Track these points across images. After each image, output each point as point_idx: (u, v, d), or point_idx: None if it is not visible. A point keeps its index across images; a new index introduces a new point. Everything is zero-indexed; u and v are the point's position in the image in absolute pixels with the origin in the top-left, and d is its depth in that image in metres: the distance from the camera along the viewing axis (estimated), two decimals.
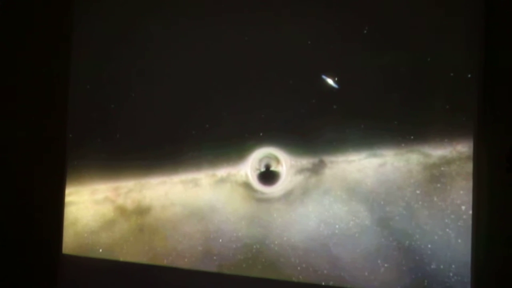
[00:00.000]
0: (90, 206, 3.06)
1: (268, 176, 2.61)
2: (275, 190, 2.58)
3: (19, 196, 3.17)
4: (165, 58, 2.90)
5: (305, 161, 2.51)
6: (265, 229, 2.58)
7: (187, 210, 2.80)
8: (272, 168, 2.60)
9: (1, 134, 3.20)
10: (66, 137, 3.14)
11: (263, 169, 2.64)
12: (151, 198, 2.89)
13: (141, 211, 2.91)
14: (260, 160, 2.64)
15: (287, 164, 2.55)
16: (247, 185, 2.65)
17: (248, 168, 2.66)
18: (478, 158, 2.17)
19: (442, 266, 2.17)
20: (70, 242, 3.10)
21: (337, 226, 2.41)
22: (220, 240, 2.68)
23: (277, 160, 2.58)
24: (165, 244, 2.83)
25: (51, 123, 3.17)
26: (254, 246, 2.60)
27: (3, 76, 3.24)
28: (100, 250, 3.01)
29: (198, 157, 2.77)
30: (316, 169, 2.48)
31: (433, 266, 2.19)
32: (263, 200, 2.61)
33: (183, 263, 2.77)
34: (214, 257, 2.70)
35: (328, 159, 2.45)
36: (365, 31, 2.38)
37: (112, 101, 3.04)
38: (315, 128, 2.49)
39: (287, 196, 2.55)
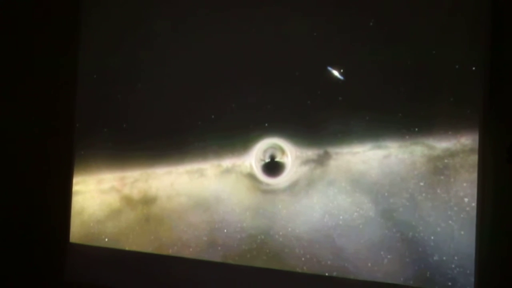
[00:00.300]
0: (97, 196, 3.11)
1: (272, 167, 2.66)
2: (280, 181, 2.63)
3: (27, 185, 3.22)
4: (172, 49, 2.93)
5: (310, 152, 2.55)
6: (269, 220, 2.63)
7: (192, 201, 2.84)
8: (277, 159, 2.65)
9: (9, 124, 3.25)
10: (74, 127, 3.18)
11: (267, 160, 2.68)
12: (157, 188, 2.94)
13: (147, 201, 2.96)
14: (265, 151, 2.68)
15: (292, 155, 2.59)
16: (251, 176, 2.70)
17: (252, 158, 2.70)
18: (483, 150, 2.21)
19: (444, 258, 2.22)
20: (77, 231, 3.15)
21: (341, 217, 2.46)
22: (225, 231, 2.73)
23: (282, 151, 2.63)
24: (170, 234, 2.88)
25: (59, 113, 3.23)
26: (259, 237, 2.65)
27: (11, 66, 3.28)
28: (106, 240, 3.06)
29: (203, 147, 2.82)
30: (321, 161, 2.52)
31: (435, 258, 2.23)
32: (268, 191, 2.65)
33: (188, 253, 2.82)
34: (219, 248, 2.75)
35: (333, 150, 2.49)
36: (371, 24, 2.42)
37: (118, 92, 3.08)
38: (320, 119, 2.53)
39: (292, 187, 2.59)
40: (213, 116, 2.81)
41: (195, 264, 2.80)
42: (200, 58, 2.85)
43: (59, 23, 3.23)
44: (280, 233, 2.60)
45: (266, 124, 2.66)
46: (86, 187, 3.14)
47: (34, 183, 3.21)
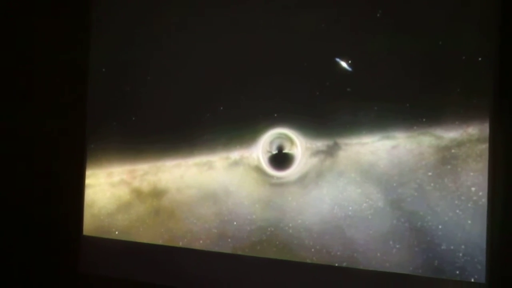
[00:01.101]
0: (107, 189, 3.21)
1: (280, 159, 2.75)
2: (288, 174, 2.73)
3: (40, 179, 3.31)
4: (181, 41, 3.02)
5: (320, 143, 2.65)
6: (279, 212, 2.73)
7: (201, 193, 2.94)
8: (285, 151, 2.75)
9: (22, 120, 3.34)
10: (85, 120, 3.27)
11: (274, 152, 2.78)
12: (166, 180, 3.04)
13: (157, 193, 3.06)
14: (271, 142, 2.78)
15: (302, 146, 2.69)
16: (259, 169, 2.80)
17: (259, 150, 2.81)
18: (494, 139, 2.30)
19: (452, 247, 2.33)
20: (88, 224, 3.26)
21: (350, 208, 2.56)
22: (235, 223, 2.84)
23: (291, 142, 2.72)
24: (180, 226, 2.98)
25: (71, 107, 3.31)
26: (269, 229, 2.75)
27: (22, 61, 3.36)
28: (117, 233, 3.16)
29: (212, 139, 2.91)
30: (330, 152, 2.62)
31: (443, 247, 2.34)
32: (277, 183, 2.76)
33: (198, 245, 2.92)
34: (229, 239, 2.85)
35: (342, 141, 2.59)
36: (378, 15, 2.51)
37: (128, 85, 3.16)
38: (329, 110, 2.62)
39: (302, 179, 2.69)
40: (221, 108, 2.90)
41: (206, 256, 2.90)
42: (209, 50, 2.93)
43: (70, 17, 3.30)
44: (290, 225, 2.70)
45: (275, 115, 2.75)
46: (97, 180, 3.24)
47: (47, 177, 3.29)
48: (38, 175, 3.31)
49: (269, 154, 2.79)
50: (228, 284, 2.87)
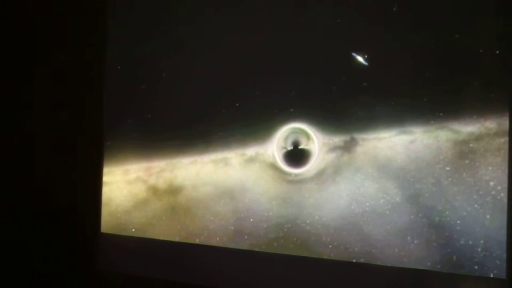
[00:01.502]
0: (123, 186, 3.27)
1: (296, 155, 2.80)
2: (305, 171, 2.77)
3: (59, 176, 3.39)
4: (196, 38, 3.07)
5: (337, 139, 2.69)
6: (296, 209, 2.77)
7: (217, 190, 3.00)
8: (302, 146, 2.80)
9: (40, 118, 3.44)
10: (102, 118, 3.34)
11: (290, 148, 2.82)
12: (182, 177, 3.10)
13: (173, 190, 3.12)
14: (286, 138, 2.82)
15: (319, 142, 2.73)
16: (275, 166, 2.85)
17: (274, 146, 2.85)
18: None
19: (471, 242, 2.36)
20: (105, 221, 3.33)
21: (367, 204, 2.60)
22: (251, 220, 2.89)
23: (307, 137, 2.77)
24: (197, 223, 3.04)
25: (88, 104, 3.38)
26: (286, 226, 2.80)
27: (39, 61, 3.45)
28: (133, 230, 3.23)
29: (227, 136, 2.97)
30: (347, 147, 2.66)
31: (462, 242, 2.38)
32: (294, 180, 2.80)
33: (215, 242, 2.98)
34: (245, 236, 2.90)
35: (359, 136, 2.63)
36: (394, 9, 2.54)
37: (143, 82, 3.22)
38: (346, 105, 2.66)
39: (319, 175, 2.73)
40: (237, 104, 2.95)
41: (223, 252, 2.96)
42: (224, 46, 2.99)
43: (86, 16, 3.37)
44: (307, 221, 2.74)
45: (291, 110, 2.80)
46: (113, 178, 3.30)
47: (66, 175, 3.38)
48: (56, 173, 3.39)
49: (284, 150, 2.83)
50: (245, 280, 2.92)
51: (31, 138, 3.45)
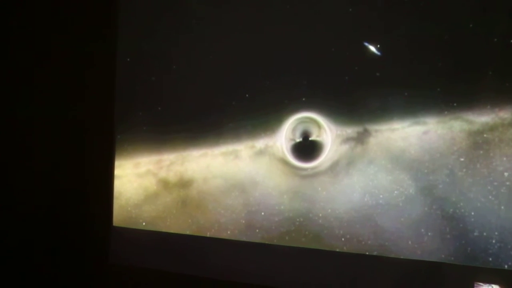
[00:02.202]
0: (134, 180, 3.33)
1: (306, 147, 2.85)
2: (318, 164, 2.84)
3: (70, 170, 3.48)
4: (206, 29, 3.12)
5: (350, 130, 2.75)
6: (308, 203, 2.84)
7: (228, 183, 3.06)
8: (313, 138, 2.85)
9: (50, 112, 3.52)
10: (114, 111, 3.39)
11: (299, 140, 2.87)
12: (193, 170, 3.16)
13: (183, 184, 3.18)
14: (294, 129, 2.87)
15: (332, 132, 2.79)
16: (284, 160, 2.91)
17: (282, 138, 2.91)
18: None
19: (485, 234, 2.43)
20: (116, 215, 3.38)
21: (381, 196, 2.67)
22: (262, 213, 2.95)
23: (318, 127, 2.82)
24: (207, 216, 3.10)
25: (99, 97, 3.44)
26: (298, 219, 2.86)
27: (49, 52, 3.52)
28: (144, 224, 3.30)
29: (237, 128, 3.02)
30: (360, 138, 2.72)
31: (476, 234, 2.45)
32: (307, 174, 2.87)
33: (226, 236, 3.05)
34: (257, 230, 2.96)
35: (372, 127, 2.69)
36: None
37: (153, 74, 3.26)
38: (359, 96, 2.72)
39: (332, 168, 2.79)
40: (247, 95, 3.01)
41: (234, 245, 3.04)
42: (233, 37, 3.03)
43: (96, 7, 3.43)
44: (320, 214, 2.81)
45: (304, 99, 2.85)
46: (123, 171, 3.36)
47: (77, 169, 3.46)
48: (67, 166, 3.48)
49: (293, 142, 2.89)
50: (257, 273, 2.99)
51: (41, 131, 3.53)
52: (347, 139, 2.77)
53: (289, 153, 2.91)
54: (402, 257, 2.63)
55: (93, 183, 3.40)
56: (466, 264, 2.49)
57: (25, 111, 3.54)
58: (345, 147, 2.77)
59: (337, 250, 2.78)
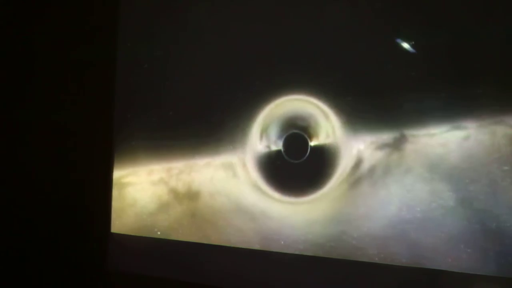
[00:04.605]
0: (147, 188, 3.54)
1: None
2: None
3: (68, 175, 3.75)
4: (211, 33, 3.33)
5: (386, 136, 2.83)
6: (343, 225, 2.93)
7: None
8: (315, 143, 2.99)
9: (51, 116, 3.79)
10: (113, 116, 3.65)
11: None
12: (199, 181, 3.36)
13: (191, 196, 3.39)
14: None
15: (362, 140, 2.89)
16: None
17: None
18: None
19: None
20: (130, 223, 3.59)
21: (418, 209, 2.73)
22: (282, 242, 3.09)
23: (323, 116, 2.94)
24: (219, 237, 3.29)
25: (99, 103, 3.71)
26: (328, 244, 2.95)
27: (49, 58, 3.81)
28: (159, 233, 3.50)
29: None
30: (396, 145, 2.80)
31: None
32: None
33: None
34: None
35: (408, 132, 2.77)
36: None
37: (165, 79, 3.50)
38: (393, 98, 2.81)
39: (370, 177, 2.87)
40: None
41: (234, 252, 3.21)
42: (241, 41, 3.23)
43: (97, 12, 3.73)
44: (355, 235, 2.89)
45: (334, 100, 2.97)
46: (138, 178, 3.57)
47: (75, 174, 3.72)
48: (66, 171, 3.76)
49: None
50: (255, 280, 3.16)
51: (39, 136, 3.80)
52: (382, 146, 2.85)
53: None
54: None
55: (92, 189, 3.64)
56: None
57: (21, 115, 3.80)
58: (380, 154, 2.85)
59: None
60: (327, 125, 2.97)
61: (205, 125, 3.31)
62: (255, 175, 3.13)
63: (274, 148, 3.07)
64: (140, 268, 3.48)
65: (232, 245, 3.21)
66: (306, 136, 2.99)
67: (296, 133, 3.01)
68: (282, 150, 3.05)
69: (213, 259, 3.28)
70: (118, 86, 3.64)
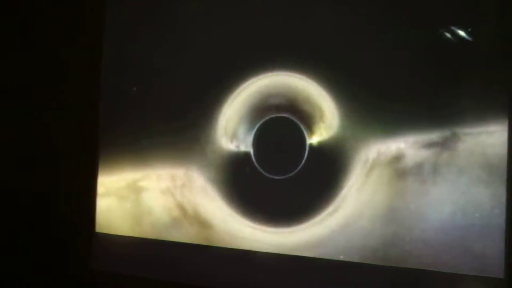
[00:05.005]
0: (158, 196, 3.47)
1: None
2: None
3: (58, 177, 3.77)
4: (197, 37, 3.28)
5: (434, 135, 2.65)
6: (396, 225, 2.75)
7: None
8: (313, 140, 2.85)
9: (40, 118, 3.80)
10: (98, 120, 3.65)
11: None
12: None
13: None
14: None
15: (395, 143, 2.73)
16: None
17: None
18: None
19: None
20: (147, 229, 3.48)
21: (477, 215, 2.55)
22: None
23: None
24: None
25: (85, 106, 3.73)
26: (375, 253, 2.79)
27: (35, 60, 3.82)
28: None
29: None
30: (447, 144, 2.62)
31: None
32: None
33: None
34: None
35: (461, 130, 2.59)
36: None
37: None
38: (445, 93, 2.64)
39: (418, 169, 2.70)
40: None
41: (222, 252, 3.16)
42: (236, 40, 3.18)
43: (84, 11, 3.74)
44: (407, 239, 2.70)
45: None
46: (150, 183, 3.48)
47: (62, 174, 3.76)
48: (56, 173, 3.79)
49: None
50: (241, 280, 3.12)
51: (22, 136, 3.84)
52: (429, 145, 2.67)
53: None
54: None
55: (76, 188, 3.69)
56: None
57: (4, 114, 3.84)
58: (427, 153, 2.68)
59: None
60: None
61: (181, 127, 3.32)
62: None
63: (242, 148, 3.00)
64: (124, 267, 3.49)
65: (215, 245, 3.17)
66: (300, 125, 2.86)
67: (280, 117, 2.82)
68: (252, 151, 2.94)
69: (197, 259, 3.24)
70: (103, 86, 3.66)
